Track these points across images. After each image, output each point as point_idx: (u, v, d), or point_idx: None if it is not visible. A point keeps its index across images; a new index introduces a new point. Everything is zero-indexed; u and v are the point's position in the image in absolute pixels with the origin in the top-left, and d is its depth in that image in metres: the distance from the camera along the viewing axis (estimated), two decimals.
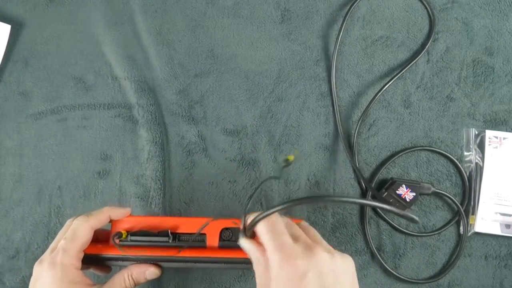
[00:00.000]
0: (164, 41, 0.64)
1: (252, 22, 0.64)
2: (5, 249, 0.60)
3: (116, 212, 0.48)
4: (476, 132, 0.62)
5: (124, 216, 0.48)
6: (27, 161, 0.62)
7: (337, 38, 0.62)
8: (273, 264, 0.38)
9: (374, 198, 0.61)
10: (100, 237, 0.49)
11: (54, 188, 0.61)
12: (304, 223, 0.46)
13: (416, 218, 0.38)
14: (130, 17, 0.64)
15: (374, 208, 0.61)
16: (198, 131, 0.62)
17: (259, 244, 0.40)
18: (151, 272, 0.47)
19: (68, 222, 0.47)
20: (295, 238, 0.40)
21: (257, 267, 0.40)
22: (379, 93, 0.62)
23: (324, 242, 0.42)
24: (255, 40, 0.64)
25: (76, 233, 0.44)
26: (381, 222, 0.62)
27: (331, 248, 0.41)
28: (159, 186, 0.60)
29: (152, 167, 0.61)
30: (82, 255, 0.45)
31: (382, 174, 0.62)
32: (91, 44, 0.64)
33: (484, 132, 0.62)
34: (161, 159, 0.61)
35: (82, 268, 0.45)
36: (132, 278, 0.46)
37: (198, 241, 0.47)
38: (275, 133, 0.62)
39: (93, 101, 0.63)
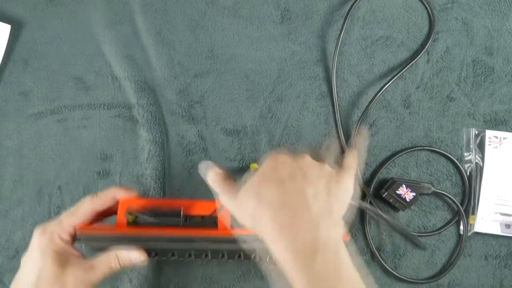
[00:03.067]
0: (164, 41, 0.64)
1: (252, 22, 0.64)
2: (5, 249, 0.60)
3: (123, 193, 0.48)
4: (476, 132, 0.62)
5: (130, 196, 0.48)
6: (27, 161, 0.62)
7: (337, 38, 0.62)
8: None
9: (375, 197, 0.61)
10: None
11: (54, 188, 0.61)
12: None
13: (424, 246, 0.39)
14: (130, 17, 0.64)
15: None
16: (198, 131, 0.62)
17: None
18: (135, 255, 0.46)
19: None
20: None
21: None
22: (379, 93, 0.62)
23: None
24: (255, 40, 0.64)
25: (76, 209, 0.46)
26: (381, 222, 0.62)
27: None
28: (159, 186, 0.60)
29: (152, 167, 0.61)
30: (72, 230, 0.46)
31: (382, 174, 0.62)
32: (91, 44, 0.64)
33: (484, 132, 0.62)
34: (161, 158, 0.61)
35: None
36: (118, 260, 0.46)
37: (209, 223, 0.47)
38: (275, 133, 0.62)
39: (93, 101, 0.63)
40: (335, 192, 0.40)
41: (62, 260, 0.43)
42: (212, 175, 0.44)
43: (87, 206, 0.46)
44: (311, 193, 0.39)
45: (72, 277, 0.43)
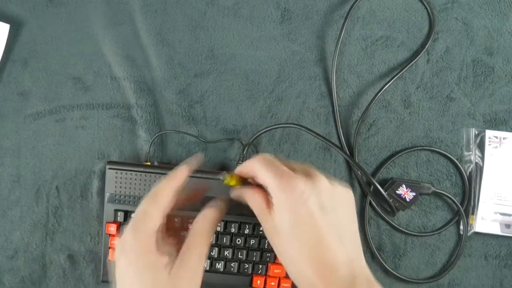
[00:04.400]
0: (164, 41, 0.63)
1: (252, 22, 0.64)
2: (4, 249, 0.60)
3: (194, 165, 0.44)
4: (476, 132, 0.62)
5: (201, 163, 0.46)
6: (25, 161, 0.61)
7: (338, 38, 0.62)
8: (274, 191, 0.39)
9: (375, 195, 0.61)
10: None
11: (51, 188, 0.61)
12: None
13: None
14: (130, 17, 0.64)
15: (371, 204, 0.61)
16: (198, 131, 0.62)
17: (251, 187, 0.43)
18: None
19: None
20: (292, 169, 0.41)
21: (256, 205, 0.41)
22: (379, 93, 0.62)
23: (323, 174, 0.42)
24: (255, 40, 0.64)
25: (158, 196, 0.41)
26: (381, 222, 0.62)
27: (331, 178, 0.41)
28: None
29: None
30: (164, 218, 0.41)
31: (382, 174, 0.62)
32: (91, 44, 0.63)
33: (484, 132, 0.62)
34: (160, 159, 0.61)
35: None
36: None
37: None
38: (275, 133, 0.62)
39: (91, 101, 0.63)
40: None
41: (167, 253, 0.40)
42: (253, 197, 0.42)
43: (168, 190, 0.41)
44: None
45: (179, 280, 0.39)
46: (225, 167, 0.62)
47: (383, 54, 0.64)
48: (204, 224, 0.42)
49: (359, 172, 0.61)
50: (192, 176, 0.55)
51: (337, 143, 0.63)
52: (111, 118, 0.62)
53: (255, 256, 0.57)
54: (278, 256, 0.41)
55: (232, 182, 0.43)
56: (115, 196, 0.57)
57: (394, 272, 0.60)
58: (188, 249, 0.40)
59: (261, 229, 0.57)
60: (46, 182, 0.61)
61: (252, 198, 0.42)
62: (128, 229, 0.40)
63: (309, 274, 0.38)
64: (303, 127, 0.56)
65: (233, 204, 0.55)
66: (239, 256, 0.57)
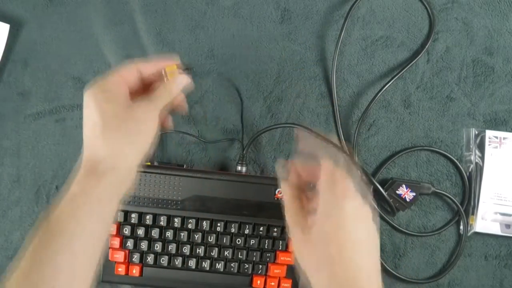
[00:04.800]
0: (164, 41, 0.63)
1: (252, 22, 0.64)
2: (4, 249, 0.60)
3: (165, 60, 0.46)
4: (476, 132, 0.62)
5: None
6: (25, 161, 0.61)
7: (338, 38, 0.62)
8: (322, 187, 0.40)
9: (376, 195, 0.61)
10: None
11: (51, 188, 0.61)
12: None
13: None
14: (130, 17, 0.64)
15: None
16: (198, 131, 0.62)
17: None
18: (186, 80, 0.47)
19: None
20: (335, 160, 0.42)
21: (293, 207, 0.43)
22: (379, 93, 0.62)
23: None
24: (255, 40, 0.64)
25: (121, 69, 0.43)
26: (381, 222, 0.62)
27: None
28: None
29: None
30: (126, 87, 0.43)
31: (382, 174, 0.62)
32: (91, 44, 0.63)
33: (484, 132, 0.62)
34: (160, 159, 0.61)
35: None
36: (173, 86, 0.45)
37: None
38: (275, 133, 0.62)
39: None
40: None
41: (123, 103, 0.41)
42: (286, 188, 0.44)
43: (132, 67, 0.44)
44: None
45: (139, 108, 0.41)
46: (225, 167, 0.62)
47: (383, 54, 0.64)
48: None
49: (359, 172, 0.61)
50: (192, 176, 0.55)
51: (337, 143, 0.63)
52: None
53: (255, 256, 0.57)
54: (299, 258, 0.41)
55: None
56: None
57: (394, 272, 0.60)
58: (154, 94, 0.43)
59: (261, 229, 0.57)
60: (46, 182, 0.61)
61: (291, 201, 0.43)
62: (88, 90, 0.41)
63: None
64: (303, 127, 0.56)
65: (234, 204, 0.55)
66: (239, 256, 0.57)
